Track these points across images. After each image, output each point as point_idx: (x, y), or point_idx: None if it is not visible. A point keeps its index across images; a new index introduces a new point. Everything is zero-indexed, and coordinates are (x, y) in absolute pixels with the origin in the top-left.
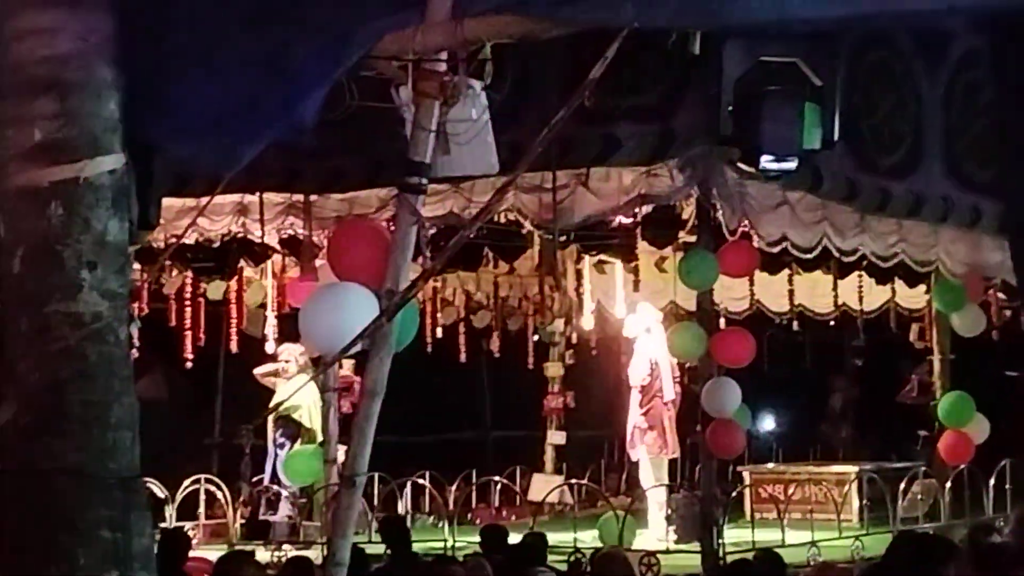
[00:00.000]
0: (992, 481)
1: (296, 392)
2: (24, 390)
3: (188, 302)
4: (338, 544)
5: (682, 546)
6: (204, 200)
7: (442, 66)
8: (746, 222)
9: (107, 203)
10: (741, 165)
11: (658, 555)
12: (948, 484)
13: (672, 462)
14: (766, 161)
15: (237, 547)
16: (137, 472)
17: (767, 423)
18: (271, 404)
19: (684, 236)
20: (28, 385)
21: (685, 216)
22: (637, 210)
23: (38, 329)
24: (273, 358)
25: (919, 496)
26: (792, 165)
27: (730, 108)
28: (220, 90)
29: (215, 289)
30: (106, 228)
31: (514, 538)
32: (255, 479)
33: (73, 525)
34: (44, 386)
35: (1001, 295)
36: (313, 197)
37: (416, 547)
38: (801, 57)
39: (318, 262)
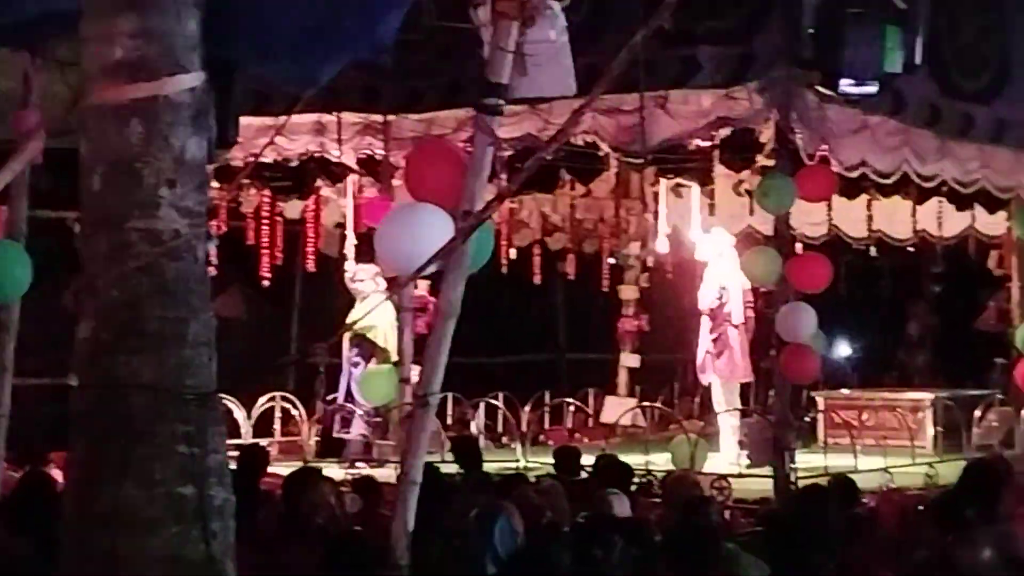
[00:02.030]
0: None
1: (372, 311)
2: (103, 306)
3: (266, 221)
4: (411, 463)
5: (754, 470)
6: (282, 119)
7: None
8: (825, 146)
9: (186, 121)
10: (821, 89)
11: (730, 478)
12: None
13: (745, 386)
14: (846, 85)
15: (311, 464)
16: (213, 389)
17: (843, 349)
18: (347, 322)
19: (762, 160)
20: (107, 301)
21: (763, 140)
22: (715, 133)
23: (117, 246)
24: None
25: (994, 423)
26: (873, 89)
27: (811, 31)
28: (300, 9)
29: (292, 208)
30: (185, 146)
31: (587, 459)
32: (329, 397)
33: (149, 440)
34: (122, 303)
35: None
36: (391, 117)
37: (488, 467)
38: None
39: (395, 182)
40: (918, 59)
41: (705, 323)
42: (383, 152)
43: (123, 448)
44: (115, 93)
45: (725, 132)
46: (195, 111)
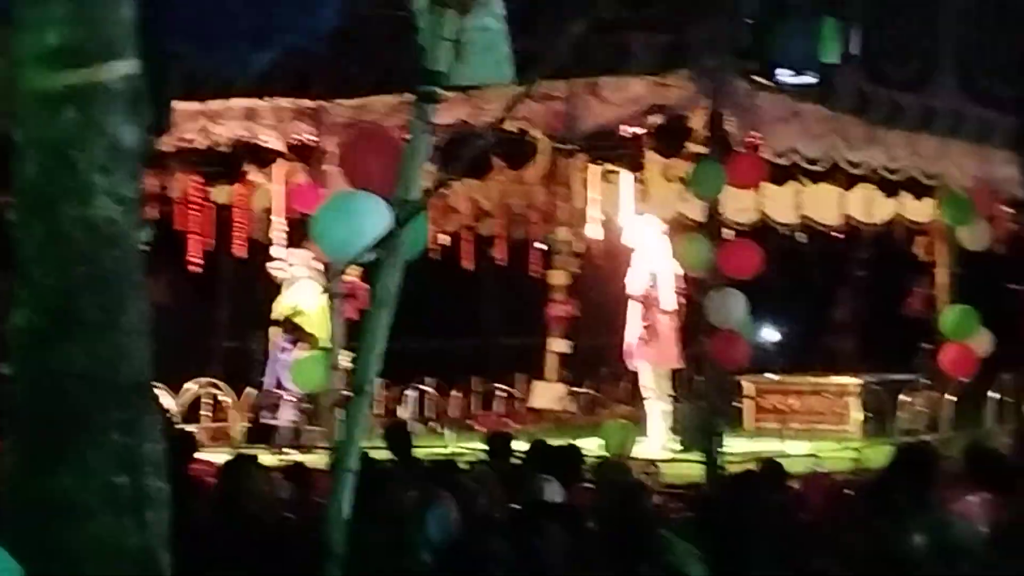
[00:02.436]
0: (994, 394)
1: (301, 297)
2: (37, 294)
3: (194, 206)
4: (348, 450)
5: (684, 455)
6: (212, 104)
7: None
8: (755, 133)
9: (121, 108)
10: (758, 78)
11: (661, 463)
12: (949, 396)
13: (674, 372)
14: (784, 75)
15: (240, 451)
16: (149, 377)
17: (770, 334)
18: (276, 308)
19: (693, 147)
20: (41, 290)
21: (694, 127)
22: (646, 120)
23: (52, 234)
24: (279, 263)
25: (920, 408)
26: (811, 79)
27: (749, 21)
28: None
29: (221, 193)
30: (120, 133)
31: (517, 445)
32: (258, 384)
33: (84, 429)
34: (57, 290)
35: (1008, 209)
36: (322, 103)
37: (418, 453)
38: None
39: (326, 168)
40: (855, 49)
41: (635, 309)
42: (314, 138)
43: (58, 437)
44: (49, 80)
45: (657, 119)
46: (130, 98)
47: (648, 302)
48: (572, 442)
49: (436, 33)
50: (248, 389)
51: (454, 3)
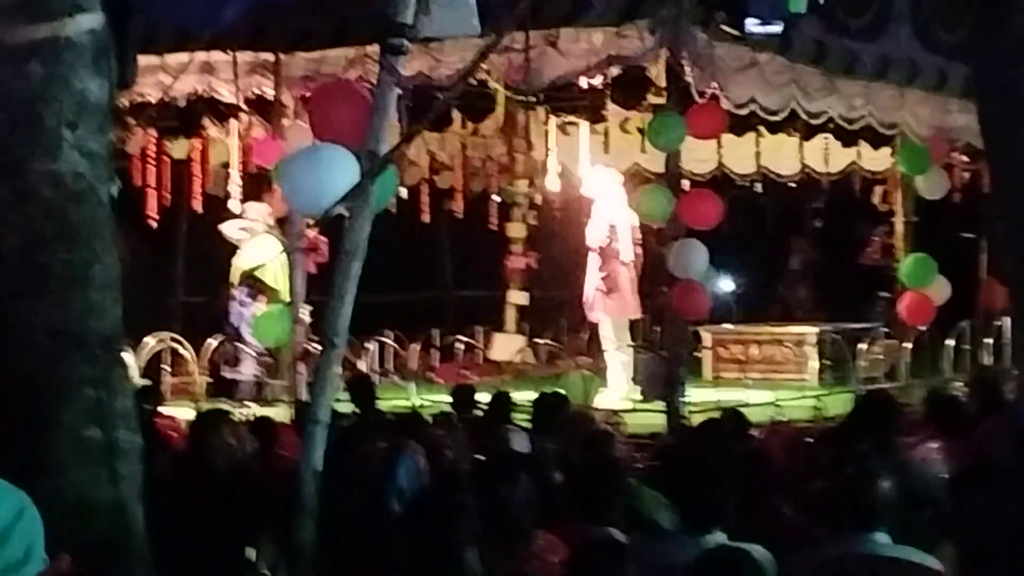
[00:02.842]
0: (951, 342)
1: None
2: (6, 250)
3: (152, 161)
4: (318, 403)
5: (646, 405)
6: (169, 58)
7: None
8: (714, 84)
9: (87, 62)
10: (726, 28)
11: (622, 414)
12: (908, 345)
13: (633, 323)
14: (752, 24)
15: (203, 405)
16: (119, 332)
17: (726, 284)
18: (235, 263)
19: (652, 98)
20: (10, 245)
21: (654, 77)
22: (605, 72)
23: (19, 190)
24: (237, 217)
25: (879, 356)
26: (778, 29)
27: None
28: None
29: (179, 148)
30: (86, 87)
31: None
32: (220, 339)
33: (56, 384)
34: (26, 247)
35: (964, 157)
36: (280, 56)
37: (380, 406)
38: None
39: (285, 122)
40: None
41: (594, 260)
42: (272, 91)
43: (31, 392)
44: (13, 34)
45: (616, 70)
46: (95, 52)
47: (607, 253)
48: (557, 390)
49: None
50: (208, 343)
51: None
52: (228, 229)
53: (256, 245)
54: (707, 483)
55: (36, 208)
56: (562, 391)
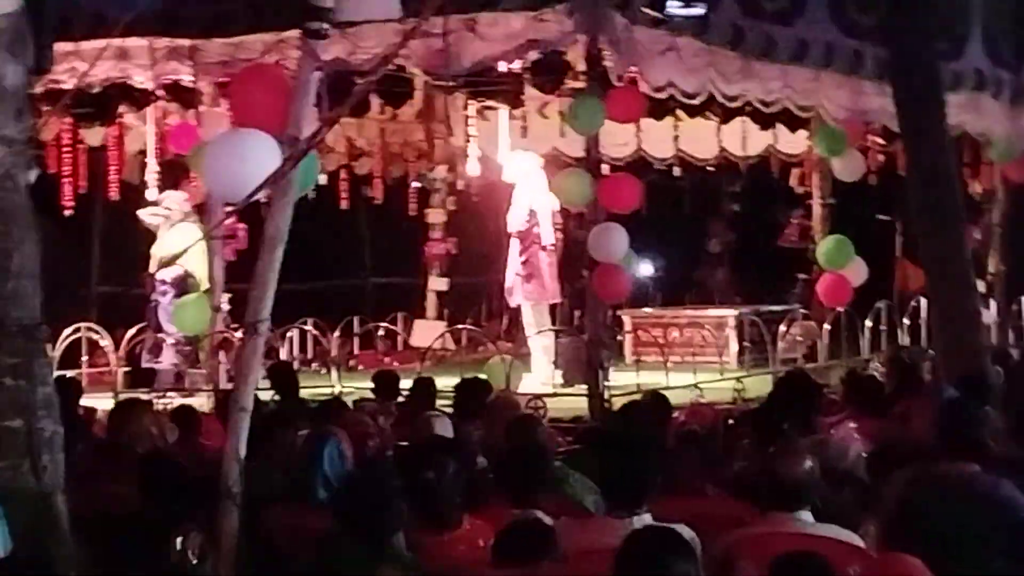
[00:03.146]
0: (868, 323)
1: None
2: None
3: (67, 149)
4: (242, 390)
5: (568, 389)
6: (83, 44)
7: None
8: (633, 68)
9: (3, 47)
10: (647, 10)
11: (545, 398)
12: (826, 326)
13: (553, 307)
14: (673, 7)
15: (122, 395)
16: (39, 320)
17: (645, 268)
18: (153, 251)
19: (571, 82)
20: None
21: (572, 62)
22: (524, 56)
23: None
24: (154, 205)
25: (798, 338)
26: (699, 11)
27: None
28: None
29: (94, 135)
30: (3, 73)
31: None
32: (138, 328)
33: None
34: None
35: (879, 140)
36: (196, 42)
37: (303, 393)
38: None
39: (202, 108)
40: None
41: (514, 245)
42: (189, 78)
43: None
44: None
45: (534, 55)
46: (12, 37)
47: (526, 238)
48: (479, 376)
49: None
50: (127, 333)
51: None
52: (145, 215)
53: (175, 233)
54: (632, 465)
55: None
56: (483, 376)
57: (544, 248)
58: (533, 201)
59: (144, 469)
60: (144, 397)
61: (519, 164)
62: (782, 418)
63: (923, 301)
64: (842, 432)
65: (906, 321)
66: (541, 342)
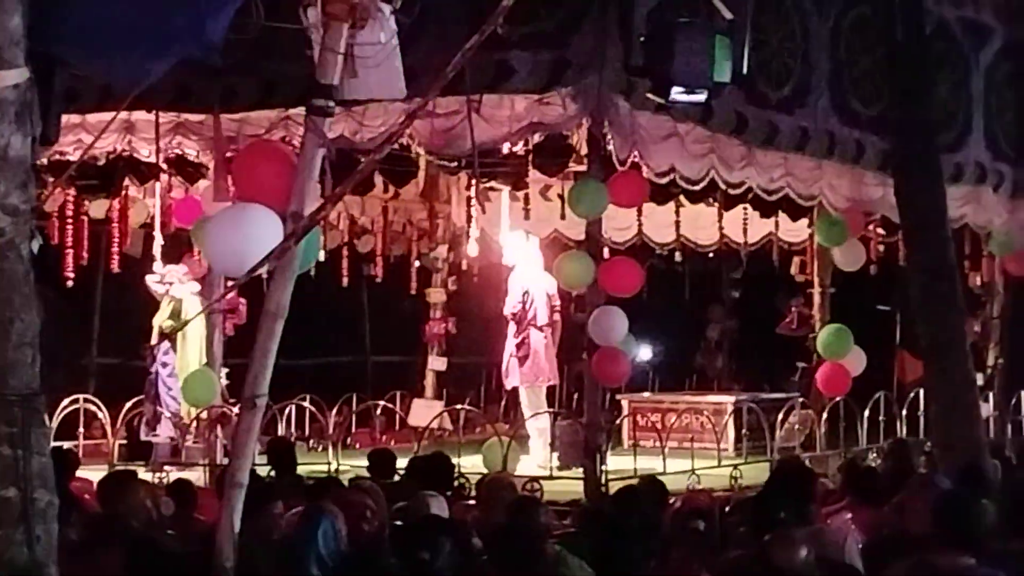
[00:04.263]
0: (867, 412)
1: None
2: None
3: (70, 220)
4: (237, 465)
5: (564, 472)
6: (89, 116)
7: None
8: (636, 152)
9: (10, 118)
10: (652, 96)
11: (541, 480)
12: (824, 415)
13: (551, 389)
14: (677, 93)
15: (118, 468)
16: (37, 390)
17: (644, 352)
18: (155, 322)
19: (574, 165)
20: None
21: (575, 145)
22: (528, 138)
23: None
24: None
25: (796, 426)
26: (702, 97)
27: (642, 39)
28: (129, 4)
29: (98, 207)
30: (9, 143)
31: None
32: (135, 400)
33: None
34: None
35: (880, 230)
36: (203, 116)
37: (299, 470)
38: None
39: (203, 183)
40: (745, 69)
41: (511, 328)
42: (194, 151)
43: None
44: None
45: (538, 137)
46: (19, 107)
47: (522, 320)
48: (439, 451)
49: (329, 47)
50: (125, 405)
51: (347, 17)
52: (152, 282)
53: (175, 306)
54: (627, 550)
55: None
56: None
57: (540, 328)
58: (529, 282)
59: (138, 544)
60: (140, 470)
61: (516, 245)
62: (778, 507)
63: (922, 392)
64: (838, 522)
65: (904, 412)
66: (537, 424)
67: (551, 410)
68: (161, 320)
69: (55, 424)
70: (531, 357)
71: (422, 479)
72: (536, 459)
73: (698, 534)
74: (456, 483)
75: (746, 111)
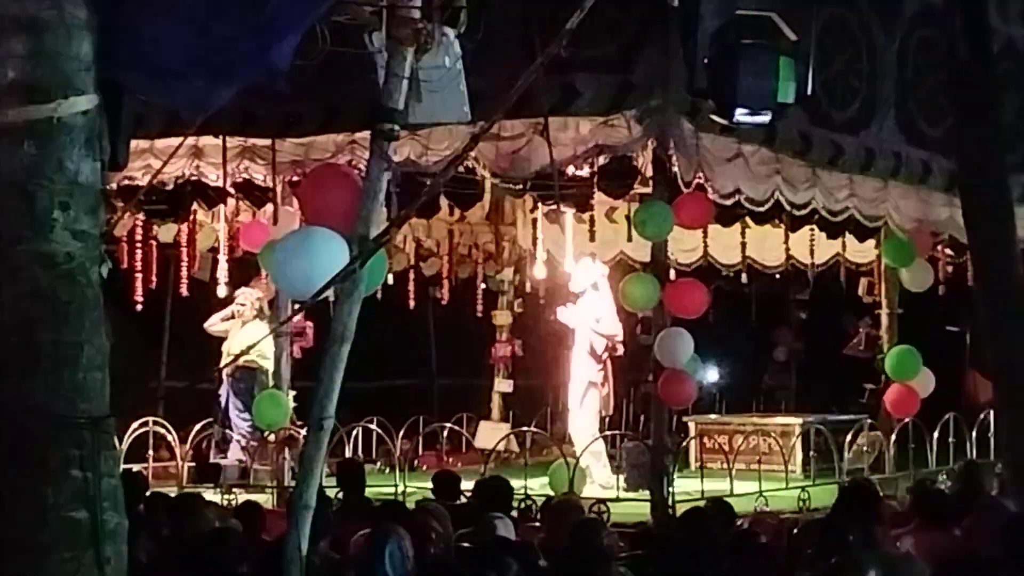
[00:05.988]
0: (936, 434)
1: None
2: None
3: (139, 244)
4: (305, 486)
5: (631, 494)
6: (158, 142)
7: (416, 13)
8: (701, 174)
9: (80, 143)
10: (716, 117)
11: (608, 503)
12: (893, 436)
13: (617, 410)
14: (741, 114)
15: (187, 490)
16: (107, 412)
17: (711, 374)
18: (225, 348)
19: (639, 187)
20: (0, 325)
21: (640, 167)
22: (593, 160)
23: (10, 269)
24: (225, 302)
25: (864, 448)
26: (766, 119)
27: (706, 60)
28: (195, 31)
29: (167, 232)
30: (79, 169)
31: (464, 485)
32: (204, 423)
33: (42, 464)
34: (15, 326)
35: (948, 251)
36: (269, 141)
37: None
38: (776, 11)
39: (270, 208)
40: (809, 90)
41: (578, 349)
42: (260, 176)
43: (16, 473)
44: (8, 115)
45: (603, 159)
46: (88, 133)
47: (587, 344)
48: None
49: (394, 71)
50: (193, 427)
51: (412, 41)
52: (212, 325)
53: (247, 330)
54: (694, 572)
55: (27, 288)
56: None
57: (601, 354)
58: (595, 305)
59: (203, 573)
60: (209, 492)
61: (584, 268)
62: (846, 529)
63: (992, 413)
64: (907, 545)
65: (975, 434)
66: (596, 447)
67: (617, 431)
68: (230, 345)
69: (124, 446)
70: (596, 379)
71: (486, 502)
72: (599, 479)
73: (766, 557)
74: (522, 505)
75: (811, 132)
